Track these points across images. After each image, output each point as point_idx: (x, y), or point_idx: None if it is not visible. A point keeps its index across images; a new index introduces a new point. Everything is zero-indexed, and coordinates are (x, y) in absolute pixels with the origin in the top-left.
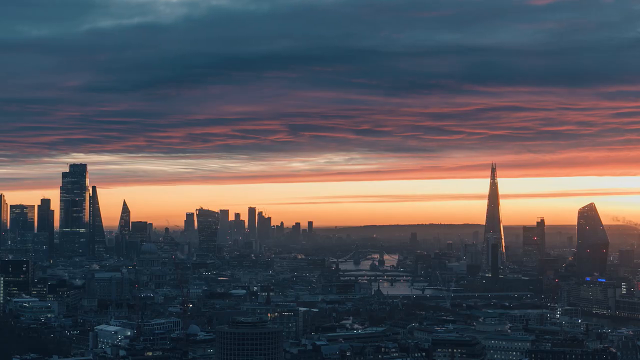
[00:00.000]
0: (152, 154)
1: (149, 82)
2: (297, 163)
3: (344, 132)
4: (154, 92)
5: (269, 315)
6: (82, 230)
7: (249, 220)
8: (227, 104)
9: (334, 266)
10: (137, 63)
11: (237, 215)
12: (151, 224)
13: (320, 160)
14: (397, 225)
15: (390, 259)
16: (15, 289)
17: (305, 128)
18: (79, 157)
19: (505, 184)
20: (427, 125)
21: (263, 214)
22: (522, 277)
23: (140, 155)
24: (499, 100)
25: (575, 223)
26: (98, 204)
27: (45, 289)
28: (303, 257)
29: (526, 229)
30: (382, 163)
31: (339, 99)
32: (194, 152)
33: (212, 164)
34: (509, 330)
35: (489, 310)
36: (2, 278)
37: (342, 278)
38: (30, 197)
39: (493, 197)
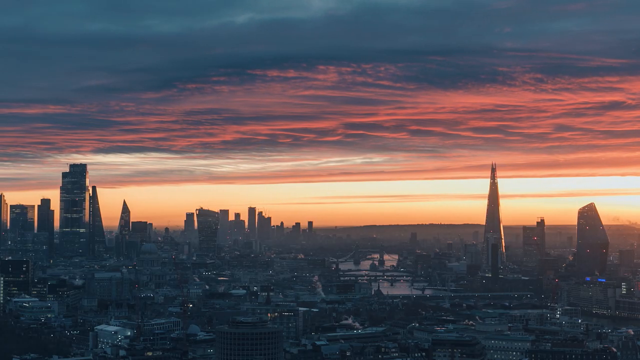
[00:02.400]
0: (153, 154)
1: (165, 82)
2: (298, 163)
3: (346, 132)
4: (168, 92)
5: (269, 315)
6: (82, 230)
7: (249, 220)
8: (240, 103)
9: (334, 266)
10: (184, 62)
11: (237, 215)
12: (151, 224)
13: (320, 161)
14: (397, 225)
15: (390, 259)
16: (15, 289)
17: (308, 128)
18: (79, 158)
19: (505, 184)
20: (429, 126)
21: (263, 214)
22: (522, 277)
23: (140, 155)
24: (508, 100)
25: (575, 223)
26: (98, 204)
27: (45, 289)
28: (303, 257)
29: (526, 229)
30: (382, 164)
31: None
32: (197, 152)
33: (216, 163)
34: (508, 331)
35: (489, 310)
36: (2, 278)
37: (342, 278)
38: (30, 197)
39: (493, 197)
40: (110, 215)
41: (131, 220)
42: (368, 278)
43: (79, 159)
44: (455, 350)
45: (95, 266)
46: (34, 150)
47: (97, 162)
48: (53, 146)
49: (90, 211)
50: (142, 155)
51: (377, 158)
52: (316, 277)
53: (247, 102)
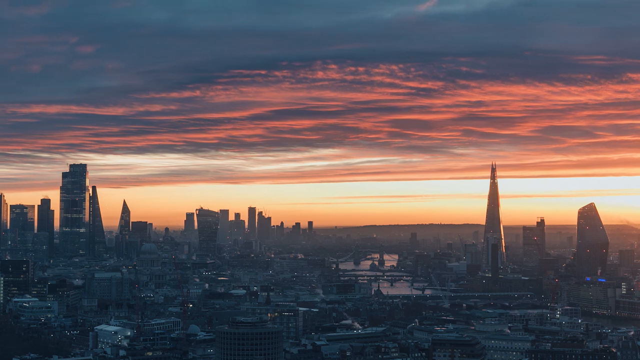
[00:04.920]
0: (153, 154)
1: (182, 82)
2: (298, 163)
3: (345, 133)
4: (183, 92)
5: (269, 315)
6: (82, 230)
7: (249, 220)
8: (250, 103)
9: (334, 266)
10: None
11: (237, 215)
12: (151, 224)
13: (320, 161)
14: (397, 225)
15: (390, 259)
16: (15, 289)
17: (305, 127)
18: (79, 158)
19: (505, 184)
20: (429, 126)
21: (263, 214)
22: (522, 277)
23: (140, 154)
24: (509, 99)
25: (575, 223)
26: (98, 204)
27: (45, 289)
28: (303, 257)
29: (526, 229)
30: (383, 164)
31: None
32: (198, 152)
33: (214, 163)
34: (508, 331)
35: (489, 310)
36: (2, 278)
37: (342, 278)
38: (30, 197)
39: (493, 197)
40: (110, 215)
41: (131, 220)
42: (368, 278)
43: (79, 158)
44: (455, 350)
45: (95, 266)
46: (34, 150)
47: (98, 162)
48: (57, 147)
49: (90, 211)
50: (143, 155)
51: (377, 158)
52: (315, 286)
53: (266, 100)
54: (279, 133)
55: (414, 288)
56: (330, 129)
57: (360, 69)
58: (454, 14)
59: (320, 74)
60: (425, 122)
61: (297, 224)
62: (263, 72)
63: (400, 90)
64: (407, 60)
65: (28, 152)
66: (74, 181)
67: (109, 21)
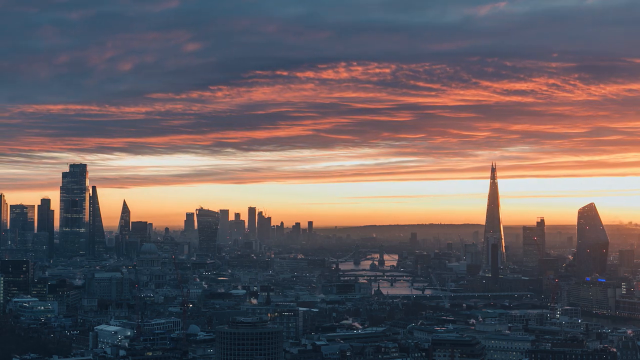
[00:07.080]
0: (152, 153)
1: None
2: (298, 164)
3: (346, 133)
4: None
5: (269, 315)
6: (82, 230)
7: (249, 220)
8: (254, 103)
9: (334, 266)
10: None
11: (237, 215)
12: (151, 224)
13: (320, 161)
14: (397, 225)
15: (390, 259)
16: (15, 289)
17: (317, 128)
18: (80, 157)
19: (505, 184)
20: (429, 125)
21: (263, 214)
22: (522, 277)
23: (140, 154)
24: (512, 99)
25: (575, 223)
26: (98, 204)
27: (45, 289)
28: (303, 257)
29: (526, 229)
30: (383, 164)
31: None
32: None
33: (213, 163)
34: (508, 331)
35: (489, 310)
36: (2, 278)
37: (342, 278)
38: (30, 197)
39: (493, 197)
40: (110, 215)
41: (131, 220)
42: (368, 278)
43: (96, 159)
44: (455, 350)
45: (95, 266)
46: (33, 151)
47: (99, 162)
48: (57, 146)
49: (90, 211)
50: (143, 155)
51: (377, 159)
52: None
53: (275, 100)
54: (292, 133)
55: (414, 288)
56: (337, 130)
57: (386, 70)
58: (480, 16)
59: (344, 75)
60: (431, 122)
61: (297, 224)
62: (285, 73)
63: (418, 92)
64: (434, 61)
65: (34, 153)
66: (74, 181)
67: (231, 17)
